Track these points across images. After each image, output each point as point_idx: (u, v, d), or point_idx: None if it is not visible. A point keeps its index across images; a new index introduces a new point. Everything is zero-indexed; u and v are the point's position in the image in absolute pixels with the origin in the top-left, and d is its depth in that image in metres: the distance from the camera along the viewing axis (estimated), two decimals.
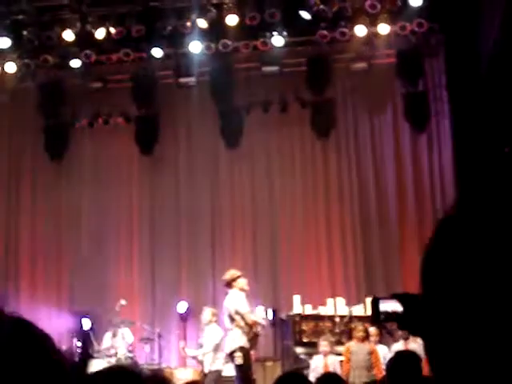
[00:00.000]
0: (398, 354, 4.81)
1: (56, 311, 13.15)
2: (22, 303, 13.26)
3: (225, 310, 9.56)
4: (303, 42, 12.93)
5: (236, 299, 9.52)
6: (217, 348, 10.33)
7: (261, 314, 10.25)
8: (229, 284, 9.69)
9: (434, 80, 12.78)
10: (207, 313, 10.73)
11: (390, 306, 2.24)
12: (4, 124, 13.98)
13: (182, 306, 12.87)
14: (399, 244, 12.80)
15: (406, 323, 2.10)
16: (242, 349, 9.24)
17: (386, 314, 2.23)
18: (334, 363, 10.08)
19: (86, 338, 12.16)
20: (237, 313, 9.36)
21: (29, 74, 13.16)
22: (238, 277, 9.73)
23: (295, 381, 3.36)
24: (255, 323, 9.46)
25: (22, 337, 1.17)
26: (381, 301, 2.27)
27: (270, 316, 12.01)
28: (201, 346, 10.55)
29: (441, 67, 12.57)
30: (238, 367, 9.29)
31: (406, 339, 10.15)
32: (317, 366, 9.97)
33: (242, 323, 9.36)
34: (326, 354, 10.09)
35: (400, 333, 10.33)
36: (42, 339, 1.21)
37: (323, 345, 10.15)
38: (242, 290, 9.63)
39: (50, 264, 13.50)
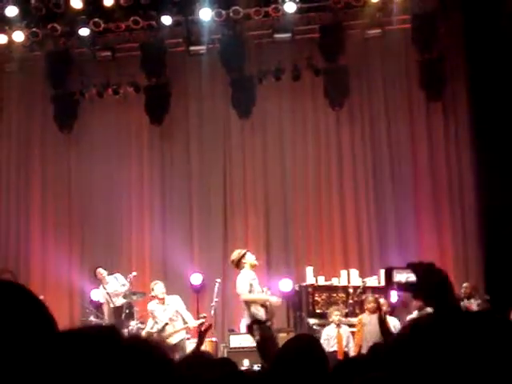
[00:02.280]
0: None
1: (67, 282, 13.14)
2: (33, 274, 13.27)
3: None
4: (316, 8, 12.69)
5: (241, 283, 9.12)
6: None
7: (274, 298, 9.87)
8: (238, 264, 9.32)
9: (450, 46, 12.47)
10: (160, 287, 10.43)
11: (404, 275, 2.13)
12: (13, 94, 13.88)
13: (195, 278, 12.78)
14: (414, 215, 12.61)
15: (419, 292, 2.00)
16: (257, 322, 9.00)
17: (400, 283, 2.11)
18: (346, 333, 9.96)
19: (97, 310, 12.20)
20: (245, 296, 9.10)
21: (37, 42, 13.04)
22: (245, 254, 9.31)
23: (306, 342, 3.23)
24: (266, 300, 9.18)
25: (14, 298, 1.26)
26: (395, 270, 2.15)
27: (287, 288, 11.91)
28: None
29: (457, 32, 12.27)
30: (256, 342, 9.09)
31: (420, 310, 10.02)
32: (329, 335, 9.85)
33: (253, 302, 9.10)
34: (338, 324, 9.97)
35: (414, 303, 10.21)
36: (33, 300, 1.28)
37: (336, 314, 10.02)
38: (252, 266, 9.31)
39: (60, 235, 13.45)
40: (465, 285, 10.87)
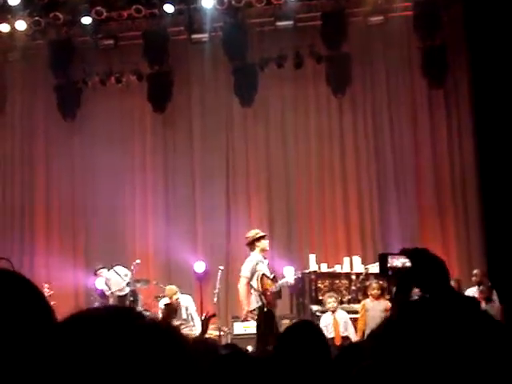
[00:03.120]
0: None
1: (71, 270, 13.21)
2: (37, 261, 13.34)
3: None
4: None
5: (245, 266, 9.47)
6: None
7: (290, 274, 10.06)
8: (251, 243, 9.56)
9: (453, 33, 12.45)
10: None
11: (400, 261, 2.17)
12: (16, 82, 13.88)
13: (199, 266, 12.82)
14: (416, 202, 12.63)
15: (414, 278, 2.03)
16: (256, 309, 9.26)
17: (394, 268, 2.15)
18: (343, 318, 10.01)
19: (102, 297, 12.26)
20: (249, 279, 9.31)
21: (39, 31, 13.04)
22: (262, 237, 9.60)
23: (305, 328, 3.28)
24: (265, 289, 9.38)
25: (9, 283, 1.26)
26: (390, 256, 2.19)
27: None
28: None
29: (459, 19, 12.25)
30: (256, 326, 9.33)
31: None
32: (326, 323, 9.91)
33: (256, 286, 9.32)
34: (334, 311, 10.03)
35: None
36: (30, 288, 1.29)
37: (330, 302, 10.11)
38: (262, 250, 9.53)
39: (64, 223, 13.52)
40: (475, 272, 10.76)
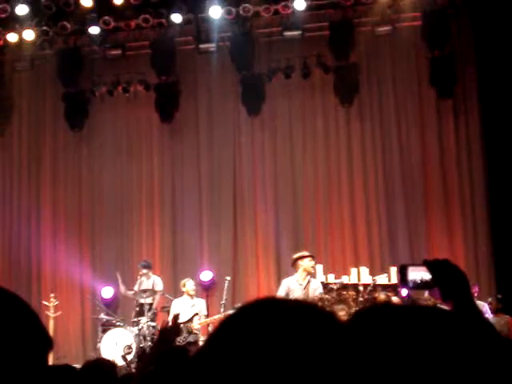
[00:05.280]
0: None
1: (78, 280, 13.18)
2: (44, 270, 13.32)
3: None
4: (326, 5, 12.67)
5: (279, 289, 9.52)
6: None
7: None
8: (294, 263, 9.55)
9: (461, 43, 12.42)
10: (190, 284, 11.25)
11: (418, 273, 2.12)
12: (24, 92, 13.90)
13: (205, 275, 12.78)
14: (424, 213, 12.55)
15: (436, 290, 1.98)
16: None
17: (415, 281, 2.10)
18: None
19: (108, 307, 12.25)
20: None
21: (47, 41, 13.07)
22: (305, 256, 9.52)
23: None
24: None
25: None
26: (410, 268, 2.14)
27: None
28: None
29: (468, 29, 12.22)
30: None
31: None
32: None
33: None
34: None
35: (424, 304, 10.18)
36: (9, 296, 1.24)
37: (341, 315, 9.99)
38: (305, 270, 9.43)
39: (71, 233, 13.48)
40: (490, 300, 10.61)
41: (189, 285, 11.25)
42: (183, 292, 11.29)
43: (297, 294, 9.29)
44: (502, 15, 11.21)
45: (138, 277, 11.80)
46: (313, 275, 9.67)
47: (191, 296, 11.21)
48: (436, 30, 12.12)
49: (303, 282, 9.42)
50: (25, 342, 1.18)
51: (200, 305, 11.24)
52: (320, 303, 9.29)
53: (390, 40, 12.68)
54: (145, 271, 11.78)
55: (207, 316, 11.24)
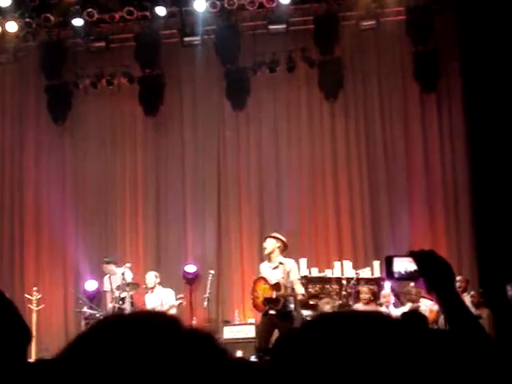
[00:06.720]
0: (404, 314, 4.71)
1: (61, 273, 13.13)
2: (27, 264, 13.25)
3: None
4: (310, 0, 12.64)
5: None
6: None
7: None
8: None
9: (445, 38, 12.47)
10: (151, 276, 11.35)
11: (403, 264, 2.13)
12: (6, 85, 13.81)
13: (189, 269, 12.76)
14: (408, 207, 12.61)
15: (421, 280, 2.00)
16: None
17: (400, 272, 2.11)
18: None
19: (91, 301, 12.21)
20: None
21: (30, 33, 12.98)
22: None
23: None
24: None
25: None
26: (395, 259, 2.16)
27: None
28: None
29: (452, 24, 12.27)
30: None
31: (413, 302, 10.07)
32: None
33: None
34: None
35: (408, 297, 10.26)
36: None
37: (327, 308, 10.03)
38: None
39: (54, 225, 13.41)
40: (458, 278, 10.74)
41: (147, 277, 11.43)
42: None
43: (269, 276, 9.38)
44: (486, 10, 11.26)
45: (108, 274, 11.77)
46: (267, 256, 9.60)
47: (151, 289, 11.39)
48: (420, 25, 12.17)
49: (272, 263, 9.45)
50: (3, 334, 1.18)
51: (163, 295, 11.32)
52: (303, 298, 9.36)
53: (374, 34, 12.70)
54: (111, 268, 11.77)
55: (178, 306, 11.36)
